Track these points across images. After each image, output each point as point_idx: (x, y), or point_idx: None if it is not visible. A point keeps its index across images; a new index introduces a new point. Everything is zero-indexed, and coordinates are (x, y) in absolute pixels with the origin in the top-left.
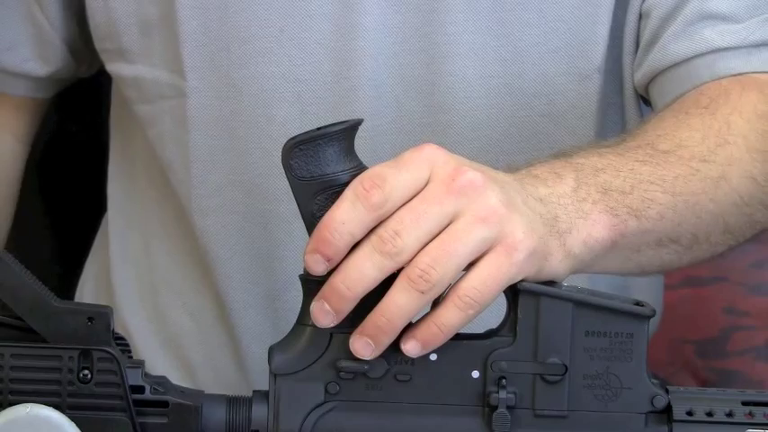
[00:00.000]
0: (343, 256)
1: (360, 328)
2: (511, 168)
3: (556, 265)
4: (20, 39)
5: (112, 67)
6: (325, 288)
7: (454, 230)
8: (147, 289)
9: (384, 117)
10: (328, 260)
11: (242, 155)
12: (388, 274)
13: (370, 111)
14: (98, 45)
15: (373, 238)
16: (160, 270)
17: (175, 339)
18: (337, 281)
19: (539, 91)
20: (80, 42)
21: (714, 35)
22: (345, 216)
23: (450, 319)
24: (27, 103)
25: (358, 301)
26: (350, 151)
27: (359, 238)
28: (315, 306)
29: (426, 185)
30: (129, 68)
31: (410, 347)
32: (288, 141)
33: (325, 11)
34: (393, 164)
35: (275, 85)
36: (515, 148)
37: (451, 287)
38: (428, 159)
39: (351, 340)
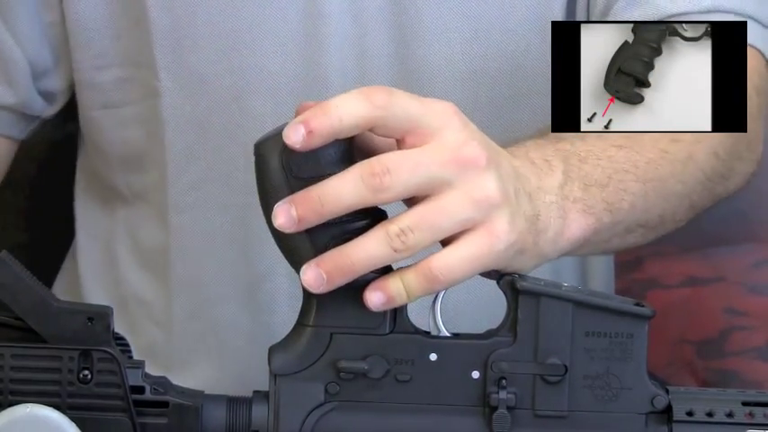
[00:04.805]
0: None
1: (318, 260)
2: (509, 142)
3: (525, 261)
4: None
5: (81, 76)
6: (299, 194)
7: (445, 202)
8: (116, 302)
9: None
10: (309, 132)
11: (218, 150)
12: (363, 206)
13: None
14: (72, 54)
15: (364, 165)
16: (127, 283)
17: (149, 348)
18: (314, 191)
19: (501, 71)
20: (49, 60)
21: (665, 1)
22: (344, 102)
23: (414, 287)
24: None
25: (322, 221)
26: (349, 151)
27: (347, 122)
28: (280, 206)
29: (432, 142)
30: (99, 74)
31: (375, 299)
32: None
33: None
34: (410, 94)
35: (249, 79)
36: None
37: (425, 257)
38: (445, 115)
39: (304, 267)
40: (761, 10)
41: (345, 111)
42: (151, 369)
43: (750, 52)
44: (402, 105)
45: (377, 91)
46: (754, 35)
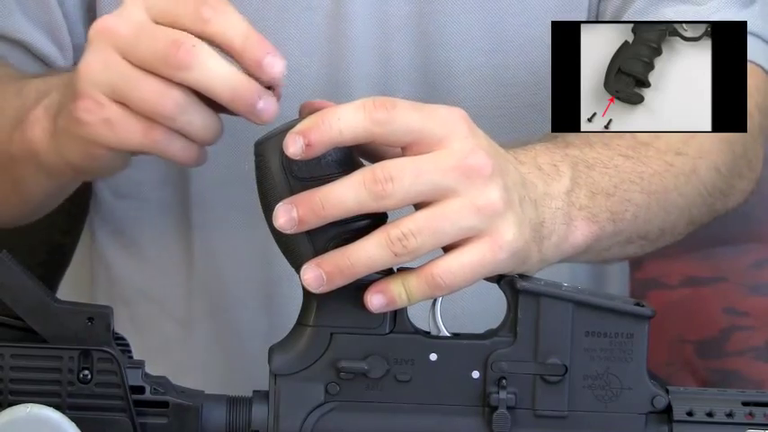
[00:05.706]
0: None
1: (318, 260)
2: (518, 144)
3: (529, 266)
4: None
5: None
6: (301, 195)
7: (448, 209)
8: (128, 298)
9: None
10: (308, 144)
11: (238, 150)
12: (365, 212)
13: None
14: None
15: (367, 171)
16: (141, 278)
17: (163, 346)
18: (316, 194)
19: (523, 81)
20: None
21: (674, 15)
22: (344, 115)
23: (416, 291)
24: None
25: (322, 224)
26: (350, 152)
27: (346, 135)
28: (281, 206)
29: (438, 150)
30: None
31: (376, 301)
32: None
33: (317, 2)
34: (415, 104)
35: None
36: (503, 140)
37: (428, 262)
38: (451, 123)
39: (304, 267)
40: (764, 27)
41: (345, 125)
42: (165, 367)
43: (752, 69)
44: (403, 120)
45: (378, 106)
46: (756, 52)
